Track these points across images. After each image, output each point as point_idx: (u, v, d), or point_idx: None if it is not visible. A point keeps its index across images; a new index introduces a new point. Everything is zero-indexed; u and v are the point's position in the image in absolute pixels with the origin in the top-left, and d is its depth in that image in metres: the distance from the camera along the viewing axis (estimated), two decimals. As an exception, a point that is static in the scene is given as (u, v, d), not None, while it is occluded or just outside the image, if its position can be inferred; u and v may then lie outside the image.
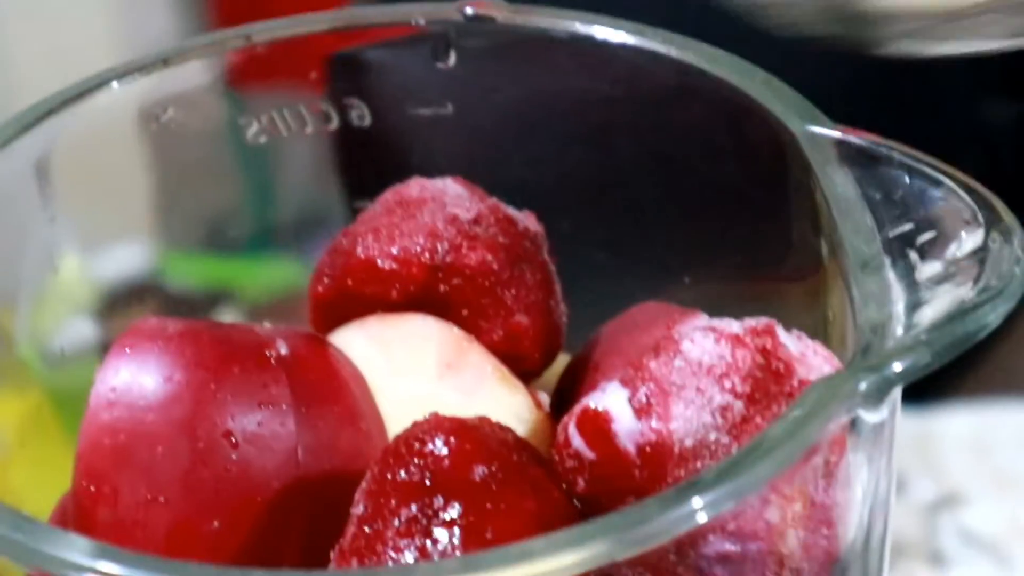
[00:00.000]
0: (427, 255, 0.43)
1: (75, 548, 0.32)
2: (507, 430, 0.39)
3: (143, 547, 0.37)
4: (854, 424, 0.35)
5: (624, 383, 0.37)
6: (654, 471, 0.36)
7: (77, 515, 0.40)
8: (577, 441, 0.37)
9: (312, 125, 0.49)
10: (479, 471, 0.36)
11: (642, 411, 0.36)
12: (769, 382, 0.36)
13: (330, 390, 0.41)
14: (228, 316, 0.57)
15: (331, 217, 0.53)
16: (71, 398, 0.45)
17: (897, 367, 0.35)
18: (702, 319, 0.40)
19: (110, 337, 0.46)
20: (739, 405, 0.36)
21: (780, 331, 0.37)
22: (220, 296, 0.57)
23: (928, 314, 0.36)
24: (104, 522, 0.39)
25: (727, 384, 0.36)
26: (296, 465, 0.40)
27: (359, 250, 0.44)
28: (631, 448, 0.36)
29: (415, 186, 0.46)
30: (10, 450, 0.45)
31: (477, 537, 0.35)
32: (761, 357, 0.36)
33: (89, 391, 0.41)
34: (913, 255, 0.38)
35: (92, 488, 0.40)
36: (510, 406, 0.42)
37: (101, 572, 0.32)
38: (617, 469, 0.36)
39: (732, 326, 0.37)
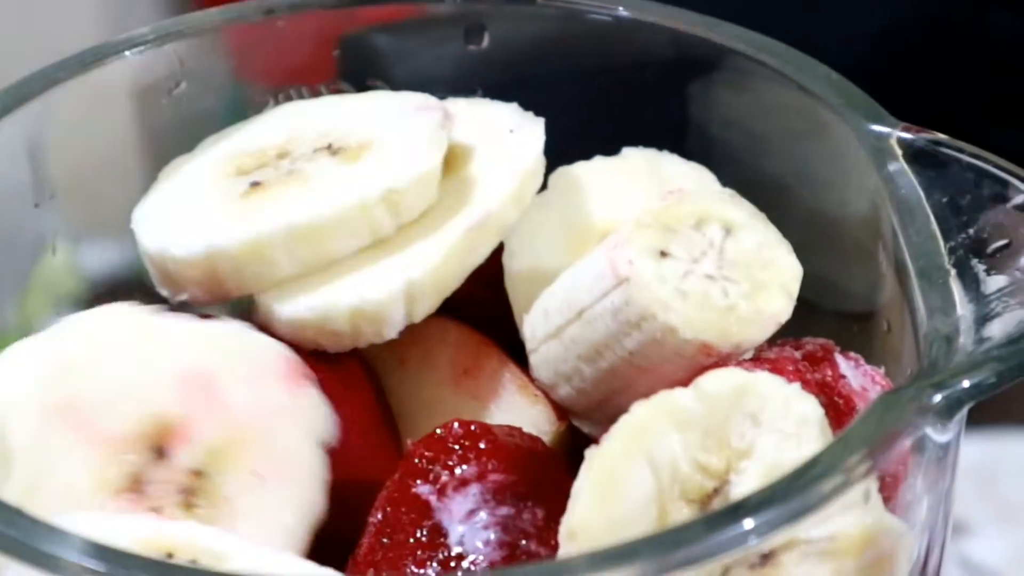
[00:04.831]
0: None
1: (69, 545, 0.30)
2: (536, 440, 0.36)
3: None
4: (919, 444, 0.32)
5: None
6: None
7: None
8: None
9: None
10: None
11: None
12: (831, 423, 0.33)
13: (340, 392, 0.39)
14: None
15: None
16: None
17: (965, 384, 0.32)
18: None
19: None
20: None
21: (839, 358, 0.35)
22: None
23: (997, 329, 0.34)
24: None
25: None
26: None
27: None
28: None
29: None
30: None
31: (506, 552, 0.32)
32: (821, 395, 0.34)
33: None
34: (981, 265, 0.35)
35: None
36: (529, 416, 0.39)
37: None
38: None
39: (791, 355, 0.35)
